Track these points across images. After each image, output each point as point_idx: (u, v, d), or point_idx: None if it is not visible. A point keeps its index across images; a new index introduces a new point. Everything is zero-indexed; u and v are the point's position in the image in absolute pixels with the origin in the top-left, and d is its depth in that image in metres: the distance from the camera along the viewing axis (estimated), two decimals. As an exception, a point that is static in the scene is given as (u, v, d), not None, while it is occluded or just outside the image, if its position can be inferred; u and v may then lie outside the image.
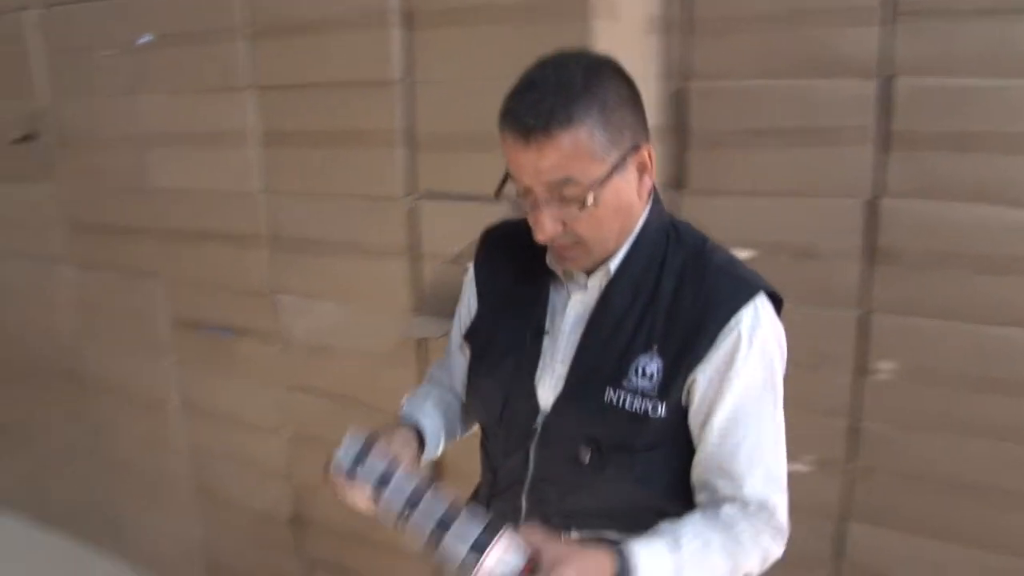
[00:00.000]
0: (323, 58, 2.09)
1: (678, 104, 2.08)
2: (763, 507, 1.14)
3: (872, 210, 1.90)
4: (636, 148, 1.10)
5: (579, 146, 1.03)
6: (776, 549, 1.18)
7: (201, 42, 2.30)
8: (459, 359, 1.38)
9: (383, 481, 1.08)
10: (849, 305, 1.97)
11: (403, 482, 1.08)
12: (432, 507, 1.04)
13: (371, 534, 2.36)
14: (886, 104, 1.84)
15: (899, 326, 1.93)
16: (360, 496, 1.12)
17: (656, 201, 1.21)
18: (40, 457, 3.33)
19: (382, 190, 2.09)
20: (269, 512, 2.59)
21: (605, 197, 1.07)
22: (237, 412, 2.58)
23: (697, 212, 2.08)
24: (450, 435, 1.40)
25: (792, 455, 2.05)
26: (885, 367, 1.97)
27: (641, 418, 1.11)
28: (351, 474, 1.12)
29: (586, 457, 1.13)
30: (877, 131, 1.86)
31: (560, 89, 1.03)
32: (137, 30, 2.41)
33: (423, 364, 2.12)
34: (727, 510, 1.13)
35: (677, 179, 2.12)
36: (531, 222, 1.11)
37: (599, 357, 1.15)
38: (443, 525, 1.02)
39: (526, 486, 1.22)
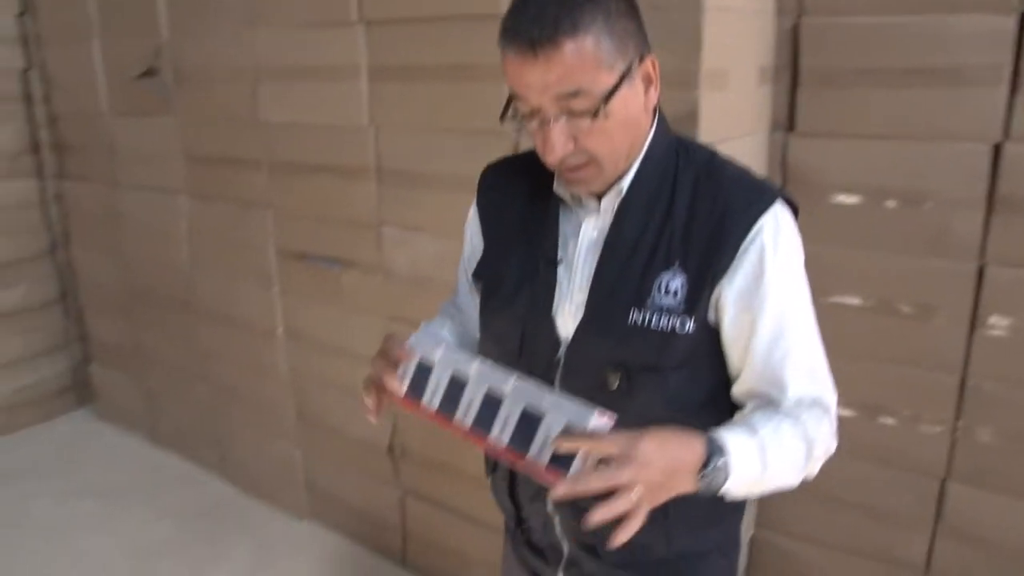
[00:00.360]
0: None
1: (790, 42, 2.01)
2: (817, 403, 1.13)
3: (997, 156, 1.81)
4: (641, 59, 1.07)
5: (587, 54, 0.99)
6: (833, 444, 1.14)
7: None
8: (469, 301, 1.37)
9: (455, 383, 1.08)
10: (965, 256, 1.89)
11: (482, 375, 1.07)
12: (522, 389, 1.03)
13: (464, 467, 2.42)
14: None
15: (1017, 280, 1.84)
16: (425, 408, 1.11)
17: (662, 119, 1.17)
18: (155, 380, 3.52)
19: (489, 123, 2.08)
20: (368, 440, 2.67)
21: (615, 108, 1.03)
22: (340, 341, 2.66)
23: (806, 155, 2.03)
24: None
25: (893, 409, 2.02)
26: (999, 323, 1.89)
27: (669, 336, 1.09)
28: (418, 390, 1.11)
29: (615, 383, 1.11)
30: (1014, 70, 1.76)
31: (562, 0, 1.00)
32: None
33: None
34: (786, 406, 1.11)
35: (787, 121, 2.07)
36: (539, 144, 1.08)
37: (619, 279, 1.12)
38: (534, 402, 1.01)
39: None
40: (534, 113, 1.05)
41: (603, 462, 0.94)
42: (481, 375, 1.06)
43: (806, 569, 2.23)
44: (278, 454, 3.01)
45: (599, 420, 0.95)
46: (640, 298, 1.10)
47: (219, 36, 2.68)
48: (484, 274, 1.28)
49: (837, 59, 1.96)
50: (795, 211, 1.15)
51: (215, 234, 2.97)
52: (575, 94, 1.01)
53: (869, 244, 1.98)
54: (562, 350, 1.15)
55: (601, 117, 1.02)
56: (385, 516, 2.71)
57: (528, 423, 1.00)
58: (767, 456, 1.03)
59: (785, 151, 2.06)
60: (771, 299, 1.08)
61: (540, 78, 1.00)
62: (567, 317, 1.16)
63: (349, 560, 2.81)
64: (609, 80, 1.02)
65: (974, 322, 1.91)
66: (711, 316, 1.11)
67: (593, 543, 1.22)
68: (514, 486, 1.29)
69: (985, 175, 1.84)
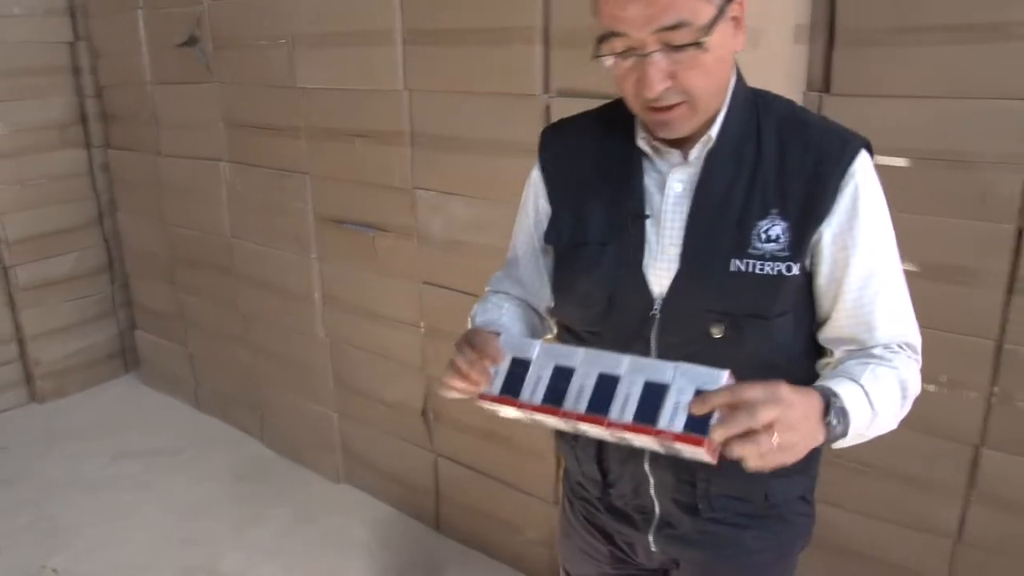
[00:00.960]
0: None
1: (827, 0, 1.98)
2: (906, 345, 1.15)
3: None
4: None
5: None
6: (920, 384, 1.16)
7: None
8: (535, 267, 1.34)
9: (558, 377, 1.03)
10: (1007, 218, 1.85)
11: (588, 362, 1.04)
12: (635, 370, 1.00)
13: (498, 430, 2.44)
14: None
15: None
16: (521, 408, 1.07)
17: (738, 73, 1.17)
18: (197, 346, 3.60)
19: (520, 87, 2.10)
20: (402, 403, 2.71)
21: (714, 42, 1.03)
22: (375, 306, 2.69)
23: (843, 116, 1.95)
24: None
25: (929, 375, 1.99)
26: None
27: (776, 280, 1.09)
28: (513, 388, 1.06)
29: (719, 332, 1.11)
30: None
31: None
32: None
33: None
34: (877, 350, 1.13)
35: (822, 81, 2.03)
36: (629, 87, 1.06)
37: (714, 229, 1.12)
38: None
39: None
40: (630, 51, 1.04)
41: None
42: (589, 360, 1.03)
43: (838, 536, 2.21)
44: (315, 418, 3.06)
45: (729, 379, 0.94)
46: (740, 247, 1.10)
47: (256, 3, 2.71)
48: (559, 236, 1.25)
49: (874, 17, 1.91)
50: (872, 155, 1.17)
51: (254, 200, 3.02)
52: (677, 26, 1.00)
53: (911, 208, 1.94)
54: (657, 305, 1.14)
55: (701, 50, 1.02)
56: (419, 479, 2.75)
57: (653, 395, 0.97)
58: (873, 400, 1.06)
59: (820, 112, 2.03)
60: (863, 241, 1.10)
61: (643, 11, 1.00)
62: (659, 272, 1.15)
63: (384, 523, 2.86)
64: (709, 12, 1.02)
65: (1011, 286, 1.87)
66: (807, 260, 1.12)
67: (692, 501, 1.22)
68: (602, 451, 1.27)
69: (1028, 135, 1.79)
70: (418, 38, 2.29)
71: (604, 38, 1.06)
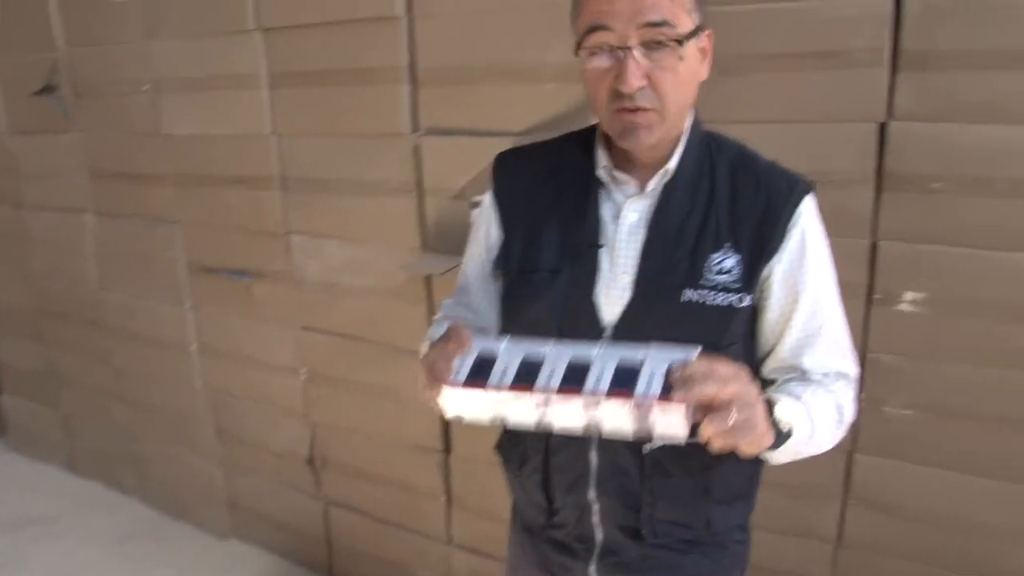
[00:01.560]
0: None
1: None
2: (843, 375, 1.21)
3: (883, 134, 1.86)
4: (703, 28, 1.13)
5: None
6: (854, 411, 1.22)
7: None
8: (485, 294, 1.33)
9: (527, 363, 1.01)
10: (860, 233, 1.94)
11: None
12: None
13: (382, 472, 2.40)
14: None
15: (911, 254, 1.90)
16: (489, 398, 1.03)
17: (695, 110, 1.23)
18: (70, 405, 3.42)
19: (388, 127, 2.09)
20: (288, 452, 2.64)
21: (689, 54, 1.08)
22: (254, 353, 2.62)
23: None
24: None
25: (802, 387, 2.06)
26: (898, 296, 1.94)
27: (727, 312, 1.13)
28: (481, 375, 1.01)
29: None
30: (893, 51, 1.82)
31: None
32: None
33: (431, 301, 2.14)
34: (816, 378, 1.18)
35: (685, 110, 2.09)
36: (604, 86, 1.09)
37: (668, 260, 1.15)
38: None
39: None
40: (612, 48, 1.06)
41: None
42: (559, 351, 1.01)
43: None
44: (198, 472, 2.95)
45: (695, 355, 0.96)
46: (692, 278, 1.13)
47: (116, 49, 2.63)
48: (509, 263, 1.25)
49: (726, 46, 1.96)
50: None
51: (124, 251, 2.91)
52: (662, 24, 1.04)
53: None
54: (607, 334, 1.15)
55: (678, 55, 1.06)
56: (309, 528, 2.68)
57: (627, 371, 0.96)
58: (813, 417, 1.10)
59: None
60: (810, 279, 1.16)
61: (631, 4, 1.04)
62: (611, 300, 1.16)
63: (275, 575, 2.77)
64: (688, 24, 1.07)
65: (870, 297, 1.96)
66: (756, 294, 1.16)
67: (636, 526, 1.23)
68: (548, 478, 1.26)
69: (873, 153, 1.89)
70: (284, 81, 2.26)
71: (586, 35, 1.08)
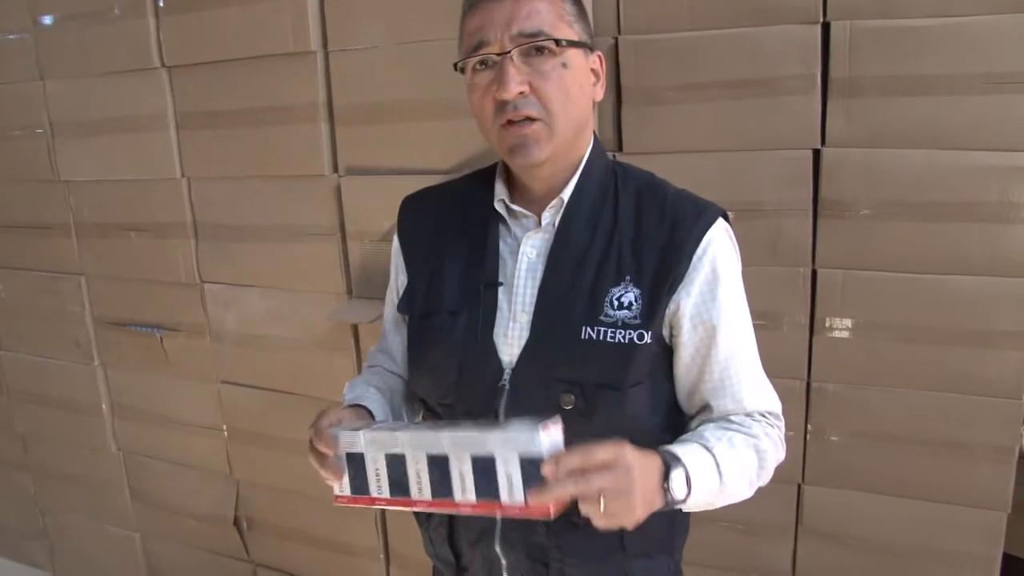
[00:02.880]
0: (233, 31, 1.99)
1: (610, 60, 2.00)
2: (769, 414, 1.16)
3: (817, 161, 1.84)
4: (592, 48, 1.12)
5: (553, 6, 1.05)
6: (783, 451, 1.17)
7: (107, 21, 2.17)
8: (400, 338, 1.30)
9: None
10: (800, 262, 1.91)
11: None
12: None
13: (315, 532, 2.28)
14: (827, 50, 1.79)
15: (848, 281, 1.88)
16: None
17: (597, 139, 1.19)
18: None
19: (307, 168, 1.99)
20: (212, 514, 2.49)
21: (574, 64, 1.06)
22: (171, 412, 2.47)
23: (637, 174, 2.01)
24: (397, 418, 1.30)
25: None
26: (835, 324, 1.91)
27: (627, 348, 1.06)
28: (360, 483, 1.06)
29: (569, 403, 1.07)
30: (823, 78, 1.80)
31: None
32: (39, 10, 2.29)
33: (360, 349, 2.03)
34: (738, 418, 1.13)
35: (614, 140, 2.05)
36: (489, 100, 1.06)
37: (566, 296, 1.10)
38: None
39: None
40: (491, 63, 1.05)
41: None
42: (413, 442, 1.01)
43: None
44: (114, 541, 2.77)
45: (546, 436, 0.90)
46: (592, 314, 1.08)
47: (7, 89, 2.46)
48: (412, 306, 1.22)
49: (658, 76, 1.95)
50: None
51: (24, 306, 2.71)
52: (538, 34, 1.03)
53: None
54: (507, 375, 1.11)
55: (560, 63, 1.05)
56: (238, 594, 2.52)
57: (484, 469, 0.95)
58: (723, 469, 1.04)
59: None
60: (726, 314, 1.10)
61: (507, 15, 1.03)
62: (510, 341, 1.12)
63: (204, 647, 2.60)
64: (570, 34, 1.06)
65: (812, 326, 1.93)
66: (664, 331, 1.11)
67: None
68: (453, 533, 1.22)
69: (808, 180, 1.87)
70: (193, 121, 2.14)
71: (467, 56, 1.08)
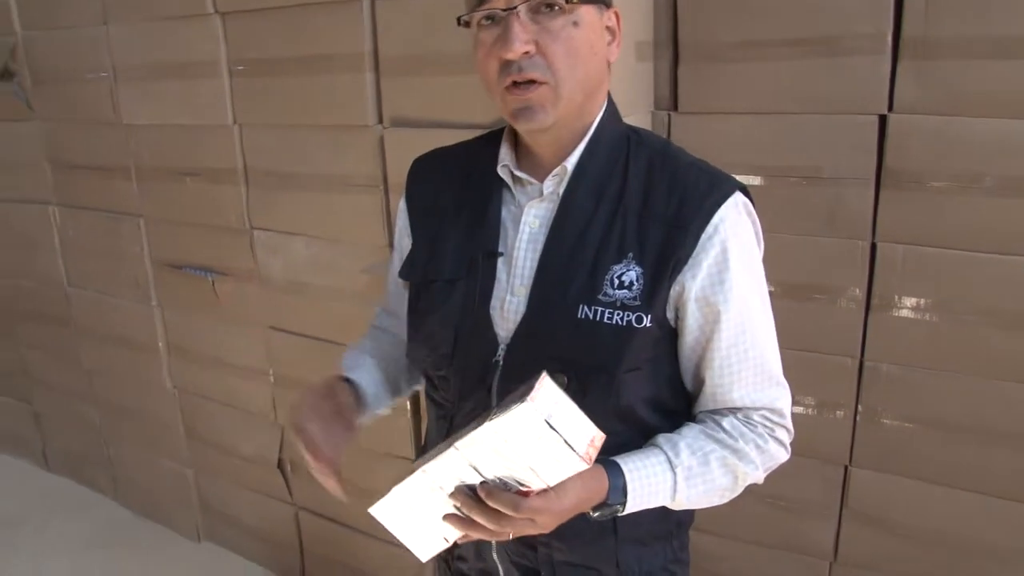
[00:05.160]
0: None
1: (667, 15, 1.90)
2: (772, 411, 1.09)
3: (883, 128, 1.73)
4: (608, 4, 1.02)
5: None
6: (784, 454, 1.12)
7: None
8: (403, 301, 1.24)
9: None
10: (860, 234, 1.81)
11: None
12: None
13: (356, 481, 2.29)
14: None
15: (912, 257, 1.77)
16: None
17: (611, 103, 1.10)
18: (42, 403, 3.32)
19: (352, 119, 1.96)
20: (258, 456, 2.53)
21: (585, 21, 0.98)
22: (222, 354, 2.51)
23: (690, 134, 1.93)
24: (394, 388, 1.28)
25: (796, 397, 1.94)
26: (898, 302, 1.81)
27: (625, 331, 1.00)
28: None
29: (562, 384, 0.99)
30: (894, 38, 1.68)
31: None
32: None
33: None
34: (731, 423, 1.07)
35: (669, 99, 1.96)
36: (493, 58, 0.99)
37: (565, 272, 1.03)
38: None
39: None
40: (497, 19, 0.97)
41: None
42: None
43: (713, 563, 2.15)
44: (170, 474, 2.86)
45: (531, 407, 0.85)
46: (589, 293, 1.01)
47: (73, 33, 2.49)
48: (412, 272, 1.17)
49: (716, 32, 1.85)
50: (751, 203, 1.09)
51: (90, 246, 2.79)
52: None
53: (767, 227, 1.88)
54: (501, 350, 1.06)
55: (571, 21, 0.97)
56: (281, 534, 2.58)
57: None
58: (679, 487, 1.02)
59: (669, 131, 1.96)
60: (734, 297, 1.02)
61: None
62: (507, 315, 1.06)
63: (248, 581, 2.68)
64: None
65: (868, 303, 1.83)
66: (669, 313, 1.03)
67: (535, 566, 1.13)
68: None
69: (873, 148, 1.76)
70: (245, 69, 2.12)
71: (472, 10, 1.00)
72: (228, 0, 2.08)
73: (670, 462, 1.01)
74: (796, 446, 1.93)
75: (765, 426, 1.08)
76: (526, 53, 0.96)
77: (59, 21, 2.52)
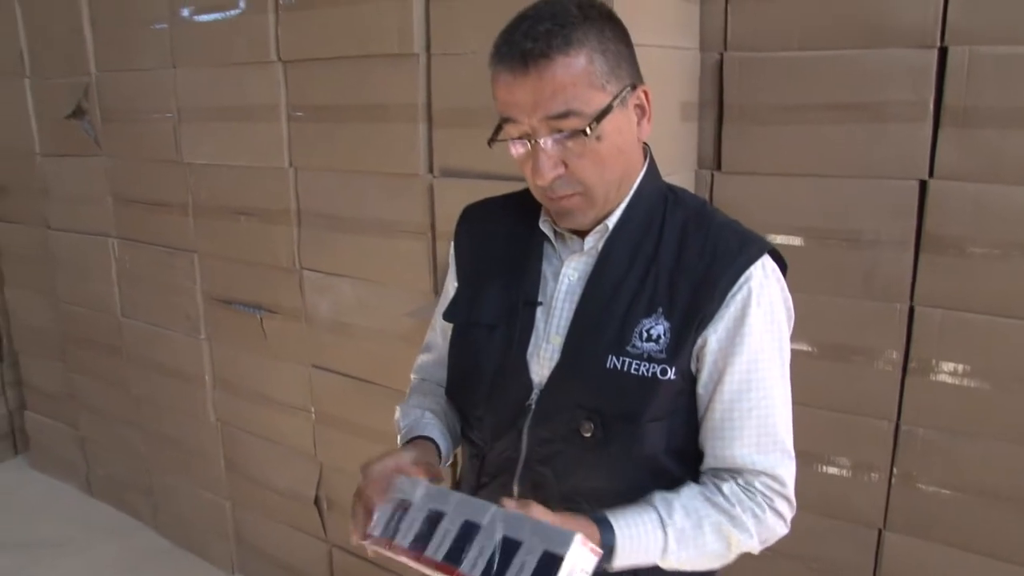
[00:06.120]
0: (344, 30, 2.04)
1: (714, 77, 1.96)
2: (773, 478, 1.08)
3: (923, 193, 1.75)
4: (634, 87, 1.05)
5: (579, 72, 0.98)
6: (782, 527, 1.10)
7: (233, 15, 2.28)
8: (444, 343, 1.30)
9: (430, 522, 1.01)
10: (898, 297, 1.82)
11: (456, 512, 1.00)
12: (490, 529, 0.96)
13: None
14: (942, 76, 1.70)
15: (951, 322, 1.78)
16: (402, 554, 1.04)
17: (652, 162, 1.15)
18: (88, 428, 3.40)
19: (404, 167, 2.03)
20: (295, 491, 2.57)
21: (607, 131, 1.01)
22: (265, 389, 2.56)
23: (733, 193, 1.97)
24: (455, 438, 1.29)
25: (830, 457, 1.94)
26: (936, 367, 1.81)
27: (650, 383, 1.04)
28: (392, 531, 1.04)
29: (588, 431, 1.06)
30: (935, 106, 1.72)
31: (556, 17, 0.98)
32: (179, 3, 2.42)
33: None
34: (730, 489, 1.07)
35: (712, 159, 2.00)
36: (527, 172, 1.05)
37: (598, 323, 1.07)
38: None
39: (519, 471, 1.15)
40: (524, 137, 1.02)
41: None
42: (460, 506, 1.00)
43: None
44: (208, 505, 2.90)
45: (579, 546, 0.88)
46: (619, 344, 1.06)
47: (143, 76, 2.61)
48: (456, 314, 1.23)
49: (762, 95, 1.90)
50: (783, 268, 1.12)
51: (144, 278, 2.88)
52: (566, 115, 0.98)
53: (806, 287, 1.90)
54: (534, 395, 1.10)
55: (592, 138, 1.00)
56: (313, 570, 2.60)
57: (506, 551, 0.93)
58: (669, 547, 1.02)
59: (712, 191, 2.00)
60: (746, 349, 1.04)
61: (531, 96, 0.98)
62: (542, 361, 1.11)
63: (280, 617, 2.70)
64: (602, 100, 1.00)
65: (905, 365, 1.84)
66: (692, 365, 1.07)
67: None
68: None
69: (913, 213, 1.78)
70: (303, 114, 2.21)
71: (501, 123, 1.04)
72: (291, 49, 2.17)
73: (662, 522, 1.02)
74: (830, 507, 1.95)
75: (765, 496, 1.07)
76: (557, 176, 1.02)
77: (131, 64, 2.64)
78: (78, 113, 2.88)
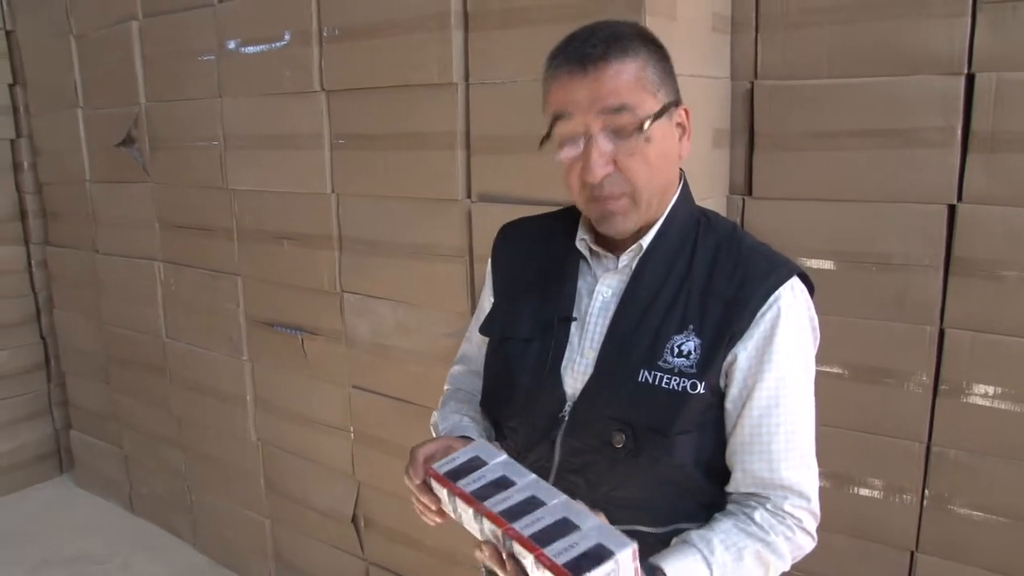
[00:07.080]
0: (386, 61, 2.11)
1: (745, 105, 2.01)
2: (800, 495, 1.11)
3: (952, 217, 1.78)
4: (677, 103, 1.11)
5: (634, 75, 1.05)
6: (810, 543, 1.14)
7: (278, 46, 2.37)
8: (479, 355, 1.36)
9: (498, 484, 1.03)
10: (928, 320, 1.85)
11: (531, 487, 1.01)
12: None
13: (426, 540, 2.36)
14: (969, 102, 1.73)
15: (981, 344, 1.80)
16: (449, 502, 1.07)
17: (685, 186, 1.20)
18: (132, 447, 3.48)
19: (442, 192, 2.09)
20: (333, 510, 2.62)
21: (656, 135, 1.07)
22: (305, 410, 2.62)
23: (764, 218, 2.00)
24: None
25: (862, 479, 1.96)
26: (968, 389, 1.83)
27: (680, 396, 1.08)
28: (457, 476, 1.06)
29: (620, 442, 1.10)
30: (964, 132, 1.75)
31: (612, 30, 1.07)
32: (225, 36, 2.52)
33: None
34: (761, 516, 1.10)
35: (744, 184, 2.04)
36: (573, 179, 1.09)
37: (631, 339, 1.12)
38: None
39: (551, 480, 1.18)
40: (576, 136, 1.06)
41: None
42: (532, 485, 1.02)
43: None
44: (247, 523, 2.96)
45: (627, 556, 0.90)
46: (650, 359, 1.10)
47: (190, 105, 2.71)
48: (492, 328, 1.29)
49: (792, 122, 1.94)
50: (811, 290, 1.16)
51: (188, 300, 2.96)
52: (620, 109, 1.04)
53: (837, 310, 1.92)
54: (567, 407, 1.15)
55: (643, 138, 1.05)
56: (351, 589, 2.65)
57: (560, 528, 0.95)
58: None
59: (743, 215, 2.04)
60: (774, 368, 1.08)
61: (588, 92, 1.04)
62: (576, 375, 1.16)
63: (317, 634, 2.74)
64: (653, 105, 1.06)
65: (936, 388, 1.86)
66: (721, 381, 1.11)
67: None
68: None
69: (942, 236, 1.81)
70: (345, 142, 2.28)
71: (552, 126, 1.09)
72: (334, 79, 2.25)
73: (706, 560, 1.05)
74: (862, 529, 1.96)
75: (794, 517, 1.11)
76: (607, 174, 1.07)
77: (179, 94, 2.74)
78: (128, 141, 2.99)
